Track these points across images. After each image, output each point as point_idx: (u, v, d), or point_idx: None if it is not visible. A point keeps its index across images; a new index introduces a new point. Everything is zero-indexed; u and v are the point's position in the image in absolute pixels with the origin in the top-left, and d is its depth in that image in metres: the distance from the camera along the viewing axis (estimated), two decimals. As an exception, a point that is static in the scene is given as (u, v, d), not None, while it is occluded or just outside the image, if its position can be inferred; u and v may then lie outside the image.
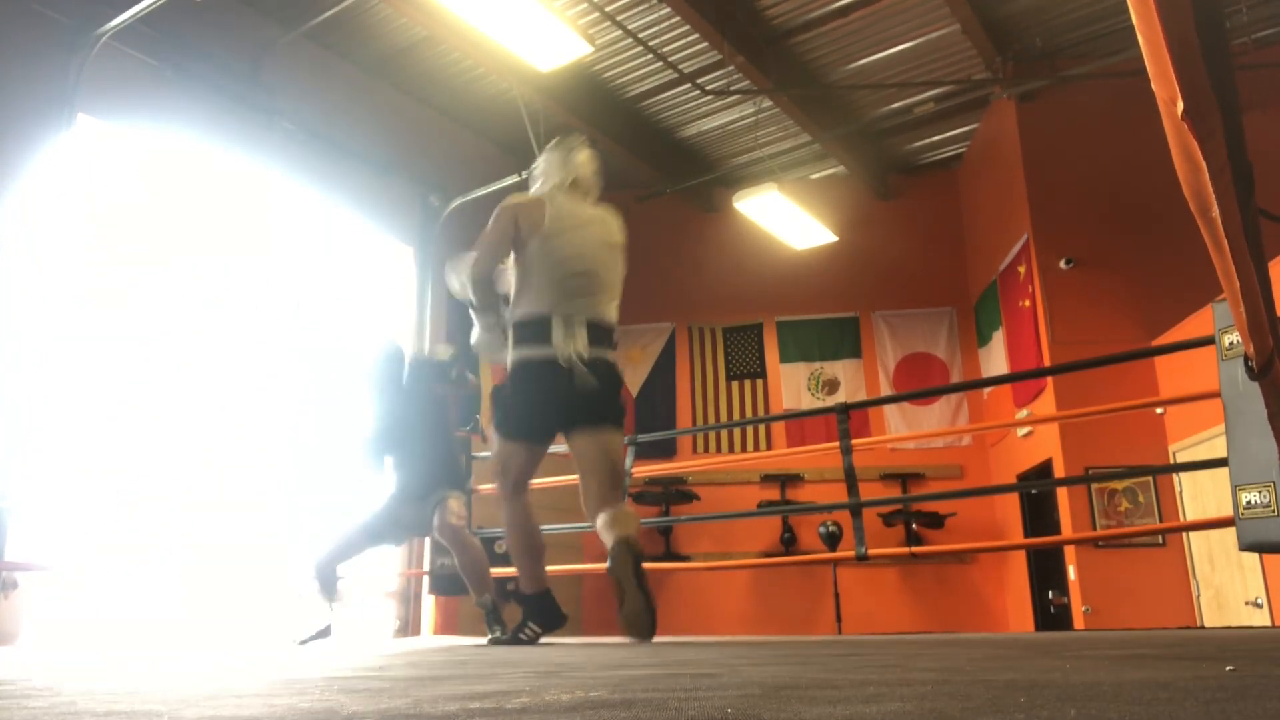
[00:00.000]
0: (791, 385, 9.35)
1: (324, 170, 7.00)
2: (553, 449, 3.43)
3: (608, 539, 3.14)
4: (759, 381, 9.45)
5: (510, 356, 3.30)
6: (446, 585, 7.02)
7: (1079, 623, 6.77)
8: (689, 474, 8.76)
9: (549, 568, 3.47)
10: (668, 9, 6.60)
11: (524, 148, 7.51)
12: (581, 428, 3.26)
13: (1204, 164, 1.20)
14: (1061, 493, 7.09)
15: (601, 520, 3.20)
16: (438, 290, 7.71)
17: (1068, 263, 7.32)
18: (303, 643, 3.97)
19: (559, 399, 3.21)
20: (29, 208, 5.22)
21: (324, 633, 4.14)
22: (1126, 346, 5.64)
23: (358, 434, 4.47)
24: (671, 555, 8.65)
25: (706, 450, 9.28)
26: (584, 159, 3.50)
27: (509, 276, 3.40)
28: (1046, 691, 0.93)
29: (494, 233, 3.33)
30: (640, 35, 6.89)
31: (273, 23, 6.74)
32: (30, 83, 5.34)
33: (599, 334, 3.27)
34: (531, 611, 3.40)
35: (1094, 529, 6.79)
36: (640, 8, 6.77)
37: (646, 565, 3.08)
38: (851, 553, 4.32)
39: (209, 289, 6.28)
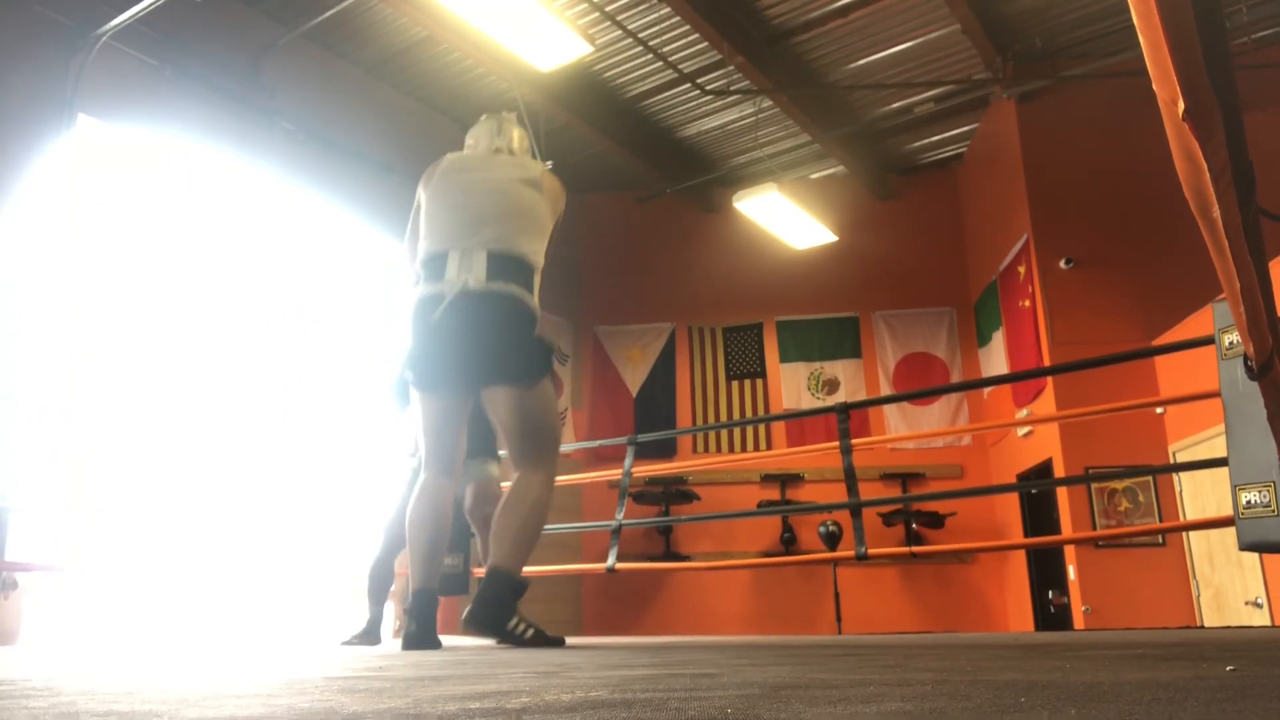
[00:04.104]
0: (791, 385, 9.35)
1: (324, 170, 7.00)
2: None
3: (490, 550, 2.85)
4: (759, 381, 9.45)
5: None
6: (447, 585, 6.99)
7: (1079, 623, 6.77)
8: (689, 474, 8.76)
9: (548, 567, 3.14)
10: (668, 9, 6.60)
11: (524, 148, 7.50)
12: (481, 379, 2.88)
13: (1205, 164, 1.20)
14: (1061, 492, 7.09)
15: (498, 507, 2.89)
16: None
17: (1068, 263, 7.32)
18: (345, 643, 3.86)
19: (445, 338, 2.83)
20: (29, 208, 5.22)
21: (368, 635, 3.92)
22: (1126, 346, 5.64)
23: (386, 372, 4.26)
24: (672, 555, 8.65)
25: (706, 450, 9.28)
26: (517, 135, 3.29)
27: None
28: (1046, 691, 0.93)
29: (410, 221, 3.19)
30: (640, 35, 6.89)
31: (273, 23, 6.73)
32: (30, 83, 5.34)
33: (504, 265, 2.86)
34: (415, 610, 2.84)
35: (1094, 529, 6.79)
36: (640, 8, 6.77)
37: (645, 565, 2.97)
38: (851, 552, 4.31)
39: (209, 289, 6.28)
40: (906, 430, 8.79)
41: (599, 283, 9.77)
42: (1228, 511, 3.03)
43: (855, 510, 4.40)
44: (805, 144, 8.71)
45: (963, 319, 9.22)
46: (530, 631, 2.88)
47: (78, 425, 5.27)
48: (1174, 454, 6.60)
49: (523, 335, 2.87)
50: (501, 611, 2.81)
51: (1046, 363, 7.14)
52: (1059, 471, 7.07)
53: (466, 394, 2.96)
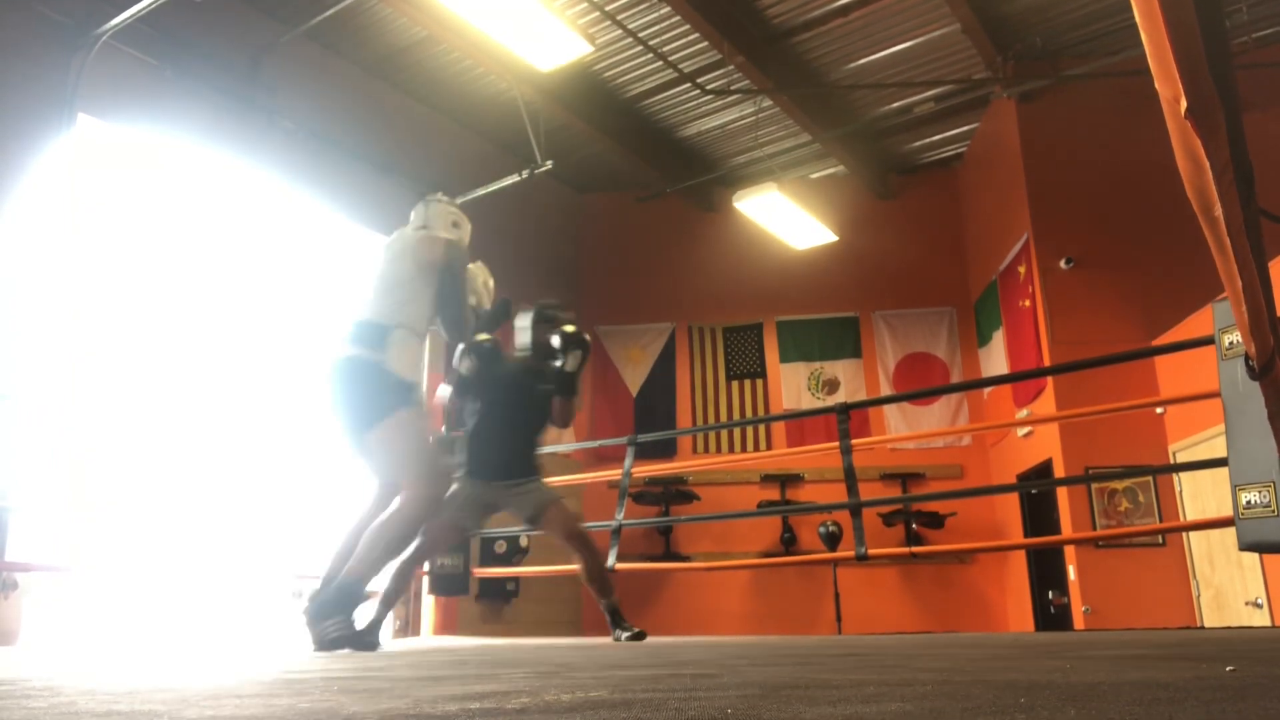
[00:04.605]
0: (791, 385, 9.35)
1: (324, 170, 6.99)
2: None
3: None
4: (759, 381, 9.45)
5: None
6: (446, 585, 7.01)
7: (1079, 623, 6.77)
8: (689, 474, 8.76)
9: (548, 568, 3.40)
10: (668, 8, 6.60)
11: (524, 148, 7.51)
12: (347, 429, 3.35)
13: (1207, 163, 1.19)
14: (1061, 493, 7.09)
15: None
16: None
17: (1068, 263, 7.32)
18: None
19: (325, 401, 3.36)
20: (29, 208, 5.22)
21: (366, 638, 3.90)
22: (1126, 346, 5.64)
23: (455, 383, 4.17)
24: (671, 555, 8.65)
25: (706, 450, 9.28)
26: (438, 212, 3.74)
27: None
28: (1047, 692, 0.93)
29: None
30: (640, 35, 6.89)
31: (273, 22, 6.73)
32: (30, 83, 5.34)
33: (359, 331, 3.35)
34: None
35: (1094, 529, 6.78)
36: (640, 7, 6.77)
37: (645, 565, 3.07)
38: (851, 553, 4.32)
39: (208, 289, 6.28)
40: (906, 430, 8.79)
41: (599, 283, 9.77)
42: (1228, 512, 3.03)
43: (855, 510, 4.40)
44: (805, 144, 8.71)
45: (963, 319, 9.22)
46: (337, 634, 3.12)
47: (78, 425, 5.26)
48: (1174, 454, 6.60)
49: (366, 386, 3.27)
50: (321, 610, 3.14)
51: (1046, 363, 7.14)
52: (1059, 471, 7.07)
53: (349, 438, 3.41)
